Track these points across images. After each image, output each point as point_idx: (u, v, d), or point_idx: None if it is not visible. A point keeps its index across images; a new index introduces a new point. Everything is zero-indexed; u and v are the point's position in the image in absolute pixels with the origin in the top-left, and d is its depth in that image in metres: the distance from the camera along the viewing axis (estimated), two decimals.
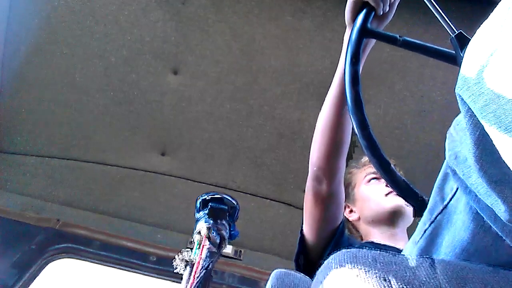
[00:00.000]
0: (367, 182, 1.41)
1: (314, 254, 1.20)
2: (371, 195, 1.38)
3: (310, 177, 1.16)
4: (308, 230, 1.21)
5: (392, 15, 1.06)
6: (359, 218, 1.42)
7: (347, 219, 1.47)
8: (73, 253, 2.00)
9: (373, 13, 0.97)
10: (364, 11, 0.96)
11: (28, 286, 1.80)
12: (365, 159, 1.49)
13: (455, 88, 0.41)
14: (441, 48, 0.94)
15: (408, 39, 0.94)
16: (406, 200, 0.81)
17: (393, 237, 1.32)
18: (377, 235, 1.35)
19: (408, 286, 0.44)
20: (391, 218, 1.33)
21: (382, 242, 1.31)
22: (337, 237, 1.19)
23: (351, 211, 1.46)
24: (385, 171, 0.79)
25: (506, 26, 0.36)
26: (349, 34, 0.95)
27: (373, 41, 1.07)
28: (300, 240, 1.23)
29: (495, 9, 0.39)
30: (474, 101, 0.38)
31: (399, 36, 0.93)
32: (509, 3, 0.37)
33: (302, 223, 1.24)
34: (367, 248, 0.54)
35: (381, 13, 0.99)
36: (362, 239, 1.42)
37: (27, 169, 2.20)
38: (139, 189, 2.26)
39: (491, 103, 0.35)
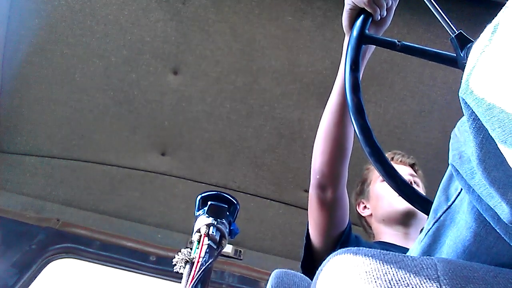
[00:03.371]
0: (382, 181, 1.40)
1: (321, 259, 1.19)
2: (385, 194, 1.37)
3: (313, 185, 1.14)
4: (314, 235, 1.19)
5: (390, 20, 1.05)
6: (371, 215, 1.42)
7: (361, 215, 1.47)
8: (73, 253, 2.00)
9: (370, 19, 0.97)
10: (362, 17, 0.96)
11: (28, 286, 1.80)
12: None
13: (458, 91, 0.41)
14: (441, 51, 0.94)
15: (407, 43, 0.93)
16: (412, 205, 0.82)
17: (406, 237, 1.32)
18: (388, 234, 1.35)
19: (408, 286, 0.44)
20: (403, 219, 1.32)
21: (393, 242, 1.30)
22: (343, 239, 1.18)
23: (364, 207, 1.46)
24: (390, 177, 0.79)
25: (508, 28, 0.36)
26: (348, 41, 0.95)
27: (372, 48, 1.07)
28: (306, 246, 1.21)
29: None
30: (477, 105, 0.37)
31: (398, 41, 0.93)
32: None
33: (308, 228, 1.22)
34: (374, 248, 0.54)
35: (379, 18, 0.99)
36: (374, 238, 1.42)
37: (27, 169, 2.20)
38: (139, 189, 2.26)
39: (494, 107, 0.35)
